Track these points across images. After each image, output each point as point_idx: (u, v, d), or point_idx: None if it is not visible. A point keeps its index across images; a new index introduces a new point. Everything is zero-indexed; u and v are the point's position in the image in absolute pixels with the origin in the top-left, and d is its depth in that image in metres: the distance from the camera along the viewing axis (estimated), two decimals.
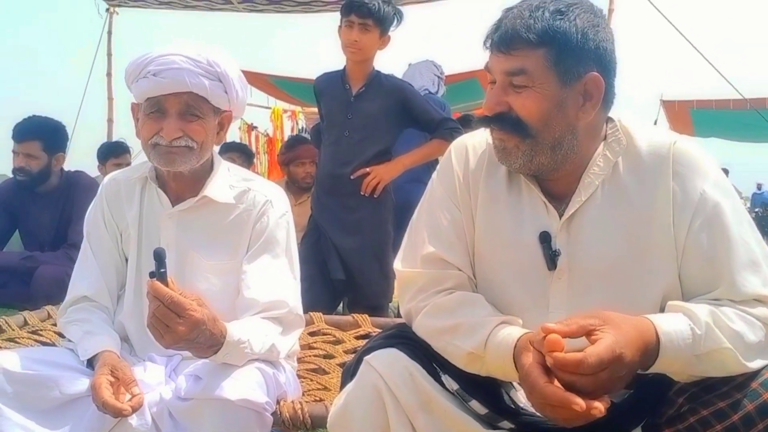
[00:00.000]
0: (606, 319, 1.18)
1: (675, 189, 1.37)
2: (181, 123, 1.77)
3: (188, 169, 1.82)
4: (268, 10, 6.11)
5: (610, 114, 1.46)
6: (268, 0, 5.85)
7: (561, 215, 1.43)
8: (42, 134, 3.56)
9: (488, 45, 1.42)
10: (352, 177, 3.14)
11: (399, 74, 3.86)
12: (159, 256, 1.48)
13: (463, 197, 1.52)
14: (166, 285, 1.47)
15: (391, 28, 3.19)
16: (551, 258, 1.41)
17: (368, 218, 3.19)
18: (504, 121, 1.39)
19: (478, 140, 1.55)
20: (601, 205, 1.41)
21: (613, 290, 1.38)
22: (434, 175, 1.60)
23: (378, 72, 3.24)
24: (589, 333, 1.17)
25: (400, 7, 3.26)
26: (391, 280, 3.24)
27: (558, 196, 1.45)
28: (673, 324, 1.24)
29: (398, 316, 3.67)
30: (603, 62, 1.37)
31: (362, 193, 3.13)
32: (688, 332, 1.23)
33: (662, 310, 1.33)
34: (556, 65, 1.34)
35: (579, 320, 1.18)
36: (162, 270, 1.47)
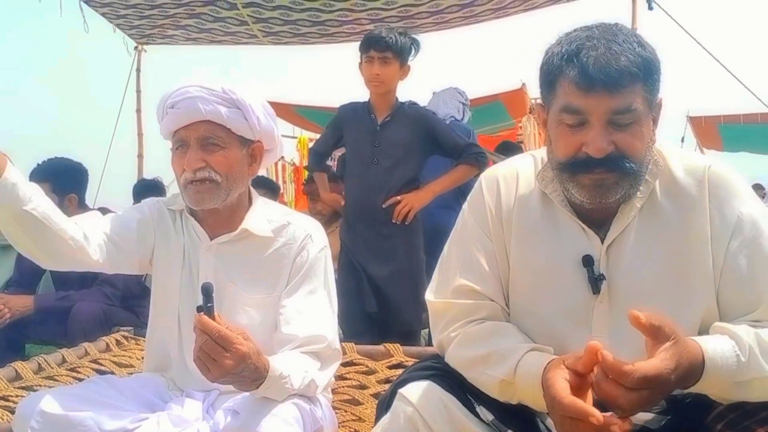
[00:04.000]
0: (677, 338, 1.16)
1: (712, 211, 1.36)
2: (202, 153, 1.76)
3: (221, 204, 1.81)
4: (293, 42, 6.21)
5: None
6: (292, 33, 5.96)
7: (602, 240, 1.42)
8: (49, 176, 3.55)
9: (582, 85, 1.29)
10: (384, 206, 3.18)
11: (423, 103, 3.90)
12: (207, 291, 1.49)
13: (495, 228, 1.50)
14: (213, 319, 1.48)
15: (410, 58, 3.27)
16: (595, 282, 1.39)
17: (402, 245, 3.23)
18: (610, 162, 1.32)
19: (509, 171, 1.54)
20: (639, 228, 1.40)
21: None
22: (465, 206, 1.58)
23: (401, 102, 3.30)
24: (656, 335, 1.16)
25: (416, 37, 3.33)
26: (425, 306, 3.24)
27: (595, 221, 1.43)
28: (719, 349, 1.22)
29: (429, 343, 3.68)
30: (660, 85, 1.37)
31: (394, 221, 3.17)
32: (733, 358, 1.22)
33: (700, 332, 1.32)
34: (649, 95, 1.32)
35: (658, 318, 1.15)
36: (209, 305, 1.48)
